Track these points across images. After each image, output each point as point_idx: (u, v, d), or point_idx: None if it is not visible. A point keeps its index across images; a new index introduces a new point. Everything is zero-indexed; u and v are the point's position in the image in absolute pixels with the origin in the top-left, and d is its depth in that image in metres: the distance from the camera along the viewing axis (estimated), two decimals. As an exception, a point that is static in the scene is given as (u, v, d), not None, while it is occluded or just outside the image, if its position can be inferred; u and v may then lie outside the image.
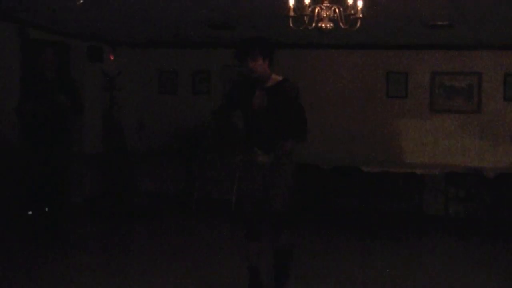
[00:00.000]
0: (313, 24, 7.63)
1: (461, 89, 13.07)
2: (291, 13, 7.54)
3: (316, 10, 7.51)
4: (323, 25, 7.55)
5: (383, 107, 13.57)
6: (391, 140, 13.49)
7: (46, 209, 10.05)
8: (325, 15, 7.54)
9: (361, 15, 7.49)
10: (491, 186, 12.03)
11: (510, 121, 12.86)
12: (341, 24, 7.57)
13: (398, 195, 12.78)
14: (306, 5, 7.45)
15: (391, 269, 9.35)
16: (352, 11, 7.49)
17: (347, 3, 7.42)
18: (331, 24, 7.56)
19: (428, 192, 12.73)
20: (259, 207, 7.31)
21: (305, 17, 7.57)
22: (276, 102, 7.05)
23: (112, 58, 13.79)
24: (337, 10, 7.51)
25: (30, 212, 10.31)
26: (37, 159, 9.70)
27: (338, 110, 13.72)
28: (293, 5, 7.48)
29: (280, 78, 7.19)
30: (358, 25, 7.54)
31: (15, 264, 9.18)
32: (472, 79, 13.00)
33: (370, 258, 10.06)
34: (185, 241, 10.96)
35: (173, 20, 11.54)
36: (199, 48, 14.20)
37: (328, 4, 7.44)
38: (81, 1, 4.36)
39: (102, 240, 11.33)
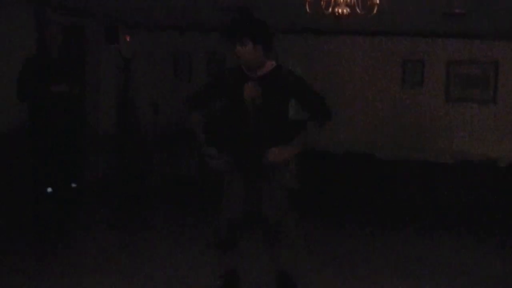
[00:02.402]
0: (330, 9, 7.64)
1: (477, 78, 13.09)
2: None
3: None
4: (340, 10, 7.56)
5: (398, 95, 13.59)
6: (405, 128, 13.53)
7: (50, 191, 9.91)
8: (341, 1, 7.56)
9: (378, 1, 7.51)
10: (503, 175, 12.07)
11: (526, 112, 12.93)
12: (357, 9, 7.58)
13: (411, 183, 12.82)
14: None
15: (400, 256, 9.42)
16: None
17: None
18: (348, 10, 7.57)
19: (441, 180, 12.75)
20: (239, 216, 6.56)
21: (322, 2, 7.59)
22: (270, 94, 6.24)
23: (128, 39, 13.84)
24: None
25: (49, 189, 9.91)
26: (45, 141, 9.63)
27: (353, 97, 13.82)
28: None
29: (273, 64, 6.42)
30: (375, 11, 7.55)
31: (26, 247, 9.19)
32: (488, 68, 12.99)
33: (381, 244, 10.15)
34: (199, 223, 11.01)
35: (189, 3, 11.57)
36: (214, 31, 14.04)
37: None
38: None
39: (114, 221, 11.39)
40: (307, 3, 7.64)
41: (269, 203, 6.40)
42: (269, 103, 6.19)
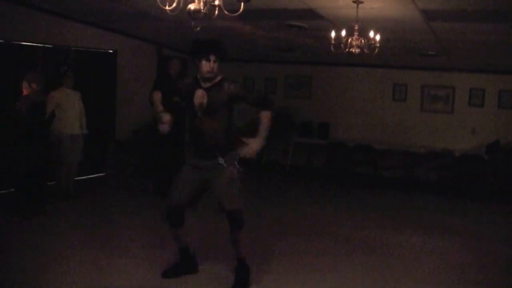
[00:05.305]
0: (346, 49, 7.75)
1: (441, 97, 13.03)
2: (332, 41, 7.70)
3: (349, 40, 7.65)
4: (353, 50, 7.65)
5: (390, 106, 13.55)
6: (394, 128, 13.40)
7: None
8: (354, 44, 7.67)
9: (378, 45, 7.63)
10: (457, 162, 12.16)
11: (472, 120, 12.75)
12: (365, 50, 7.66)
13: (397, 165, 12.99)
14: (343, 37, 7.65)
15: (389, 211, 9.76)
16: (373, 42, 7.63)
17: (369, 37, 7.65)
18: (358, 50, 7.65)
19: (416, 163, 12.92)
20: (185, 200, 5.45)
21: (342, 45, 7.75)
22: (214, 100, 5.27)
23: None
24: (362, 41, 7.59)
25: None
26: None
27: (360, 108, 13.70)
28: (334, 36, 7.68)
29: (221, 77, 5.37)
30: (376, 51, 7.68)
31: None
32: (448, 91, 13.03)
33: (377, 205, 10.32)
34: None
35: (255, 45, 11.88)
36: (270, 63, 14.37)
37: (357, 36, 7.60)
38: (198, 29, 4.61)
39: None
40: (331, 45, 7.80)
41: (226, 197, 5.31)
42: (212, 107, 5.28)
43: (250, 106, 5.40)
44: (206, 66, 5.22)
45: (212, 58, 5.21)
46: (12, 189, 8.59)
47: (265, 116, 5.40)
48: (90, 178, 10.82)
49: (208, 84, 5.34)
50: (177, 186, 5.50)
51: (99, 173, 11.21)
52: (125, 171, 11.35)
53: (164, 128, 5.49)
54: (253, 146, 5.31)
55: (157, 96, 5.73)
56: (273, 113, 5.44)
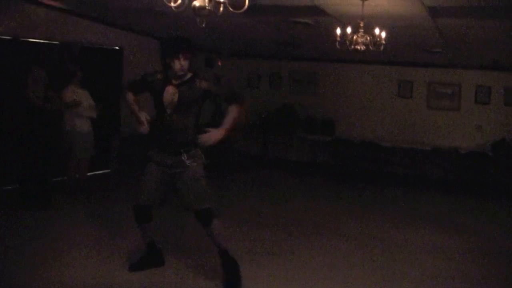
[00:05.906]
0: (352, 46, 7.73)
1: (447, 94, 13.06)
2: (338, 38, 7.68)
3: (354, 37, 7.65)
4: (358, 47, 7.64)
5: (396, 103, 13.58)
6: (400, 125, 13.46)
7: None
8: (360, 41, 7.66)
9: (383, 42, 7.64)
10: (463, 159, 12.16)
11: (477, 117, 12.80)
12: (370, 47, 7.66)
13: (403, 163, 12.98)
14: (348, 33, 7.65)
15: (394, 208, 9.70)
16: (378, 39, 7.65)
17: (375, 34, 7.64)
18: (364, 47, 7.64)
19: (422, 160, 12.92)
20: (152, 200, 5.45)
21: (347, 41, 7.75)
22: (184, 97, 5.29)
23: (220, 64, 14.08)
24: (368, 38, 7.62)
25: None
26: None
27: (365, 104, 13.75)
28: (339, 33, 7.67)
29: (191, 74, 5.38)
30: (381, 48, 7.68)
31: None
32: (454, 88, 13.03)
33: (381, 202, 10.29)
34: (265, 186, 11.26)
35: (259, 40, 11.87)
36: (274, 58, 14.43)
37: (362, 34, 7.59)
38: (203, 25, 4.62)
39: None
40: (337, 42, 7.79)
41: (190, 196, 5.33)
42: (182, 104, 5.27)
43: (222, 100, 5.47)
44: (178, 64, 5.22)
45: (183, 57, 5.20)
46: (18, 185, 8.52)
47: (233, 109, 5.42)
48: (96, 174, 10.74)
49: (178, 81, 5.35)
50: (144, 185, 5.50)
51: (104, 170, 11.20)
52: (129, 168, 11.31)
53: (144, 129, 5.41)
54: (212, 135, 5.30)
55: (130, 97, 5.62)
56: (243, 107, 5.46)
